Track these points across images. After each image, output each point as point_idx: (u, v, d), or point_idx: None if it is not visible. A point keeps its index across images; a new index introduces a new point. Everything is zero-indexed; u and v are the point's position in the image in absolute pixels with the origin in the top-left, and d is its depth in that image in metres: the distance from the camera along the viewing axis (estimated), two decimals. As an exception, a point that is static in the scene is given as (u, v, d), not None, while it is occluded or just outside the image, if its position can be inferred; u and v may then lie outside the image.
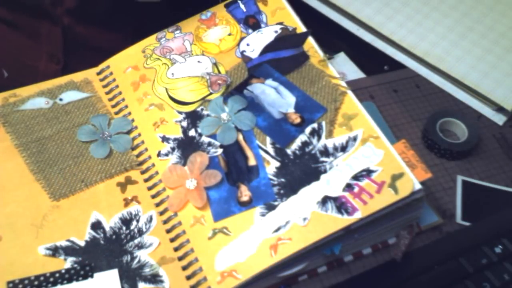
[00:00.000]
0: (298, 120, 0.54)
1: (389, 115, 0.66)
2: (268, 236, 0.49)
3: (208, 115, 0.56)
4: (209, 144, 0.54)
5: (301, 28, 0.60)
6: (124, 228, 0.51)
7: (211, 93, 0.57)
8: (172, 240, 0.51)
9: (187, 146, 0.55)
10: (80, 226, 0.51)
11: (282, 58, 0.58)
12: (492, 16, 0.72)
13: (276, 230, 0.49)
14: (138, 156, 0.56)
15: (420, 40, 0.69)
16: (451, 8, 0.73)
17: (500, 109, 0.66)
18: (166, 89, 0.58)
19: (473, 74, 0.67)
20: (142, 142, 0.56)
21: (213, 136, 0.55)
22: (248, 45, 0.60)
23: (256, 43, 0.60)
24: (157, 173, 0.54)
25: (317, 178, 0.51)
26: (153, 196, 0.53)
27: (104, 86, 0.60)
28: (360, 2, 0.72)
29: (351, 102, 0.55)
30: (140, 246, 0.50)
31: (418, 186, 0.49)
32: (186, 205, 0.52)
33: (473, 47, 0.69)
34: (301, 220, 0.49)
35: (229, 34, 0.61)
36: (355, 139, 0.52)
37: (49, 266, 0.49)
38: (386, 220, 0.51)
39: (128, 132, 0.57)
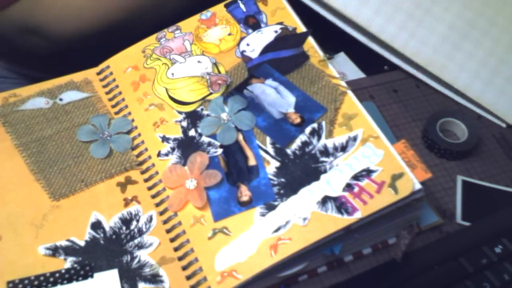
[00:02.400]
0: (298, 120, 0.54)
1: (389, 115, 0.66)
2: (268, 236, 0.49)
3: (208, 115, 0.56)
4: (209, 144, 0.54)
5: (301, 28, 0.60)
6: (124, 228, 0.51)
7: (211, 93, 0.57)
8: (172, 240, 0.51)
9: (187, 146, 0.55)
10: (80, 226, 0.51)
11: (282, 58, 0.58)
12: (484, 24, 0.70)
13: (276, 230, 0.49)
14: (138, 156, 0.56)
15: (421, 47, 0.67)
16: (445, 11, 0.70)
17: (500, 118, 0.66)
18: (166, 89, 0.58)
19: (475, 85, 0.66)
20: (142, 142, 0.56)
21: (213, 136, 0.55)
22: (248, 45, 0.60)
23: (256, 43, 0.60)
24: (157, 173, 0.54)
25: (317, 178, 0.51)
26: (153, 196, 0.53)
27: (104, 86, 0.60)
28: (357, 4, 0.69)
29: (351, 102, 0.55)
30: (140, 246, 0.50)
31: (418, 186, 0.49)
32: (186, 205, 0.52)
33: (469, 59, 0.67)
34: (301, 220, 0.49)
35: (229, 34, 0.61)
36: (355, 139, 0.53)
37: (49, 266, 0.49)
38: (386, 220, 0.51)
39: (128, 132, 0.57)
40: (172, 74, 0.59)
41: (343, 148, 0.52)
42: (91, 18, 0.64)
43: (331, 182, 0.51)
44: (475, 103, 0.67)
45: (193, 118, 0.56)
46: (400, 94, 0.68)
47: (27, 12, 0.63)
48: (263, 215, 0.50)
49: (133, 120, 0.57)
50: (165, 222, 0.52)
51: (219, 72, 0.59)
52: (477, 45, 0.68)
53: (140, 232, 0.51)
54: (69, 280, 0.48)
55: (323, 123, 0.54)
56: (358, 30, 0.69)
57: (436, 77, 0.68)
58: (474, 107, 0.67)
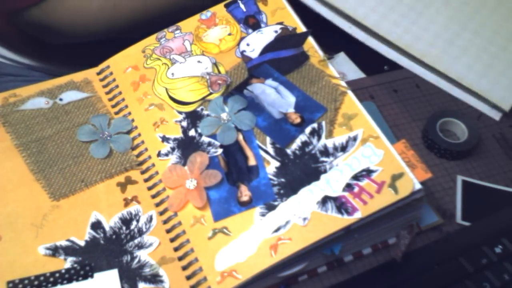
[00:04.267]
0: (298, 120, 0.54)
1: (389, 115, 0.66)
2: (268, 236, 0.49)
3: (208, 115, 0.56)
4: (209, 144, 0.54)
5: (301, 28, 0.60)
6: (124, 228, 0.51)
7: (211, 93, 0.57)
8: (172, 240, 0.51)
9: (187, 146, 0.55)
10: (80, 226, 0.51)
11: (282, 58, 0.58)
12: (484, 14, 0.71)
13: (276, 230, 0.49)
14: (138, 156, 0.56)
15: (416, 40, 0.68)
16: (444, 4, 0.71)
17: (496, 105, 0.66)
18: (166, 89, 0.58)
19: (470, 74, 0.67)
20: (142, 142, 0.56)
21: (213, 136, 0.55)
22: (248, 45, 0.60)
23: (256, 43, 0.60)
24: (157, 173, 0.54)
25: (317, 178, 0.51)
26: (153, 196, 0.53)
27: (104, 86, 0.60)
28: (355, 0, 0.70)
29: (351, 102, 0.55)
30: (140, 246, 0.50)
31: (418, 186, 0.49)
32: (186, 205, 0.52)
33: (468, 46, 0.68)
34: (301, 220, 0.49)
35: (229, 34, 0.61)
36: (355, 139, 0.53)
37: (49, 266, 0.49)
38: (386, 220, 0.51)
39: (128, 132, 0.57)
40: (172, 74, 0.59)
41: (343, 148, 0.52)
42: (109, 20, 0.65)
43: (331, 182, 0.51)
44: (470, 92, 0.67)
45: (193, 118, 0.56)
46: (400, 94, 0.68)
47: (43, 15, 0.64)
48: (263, 215, 0.50)
49: (133, 120, 0.57)
50: (165, 222, 0.52)
51: (219, 72, 0.59)
52: (470, 44, 0.68)
53: (140, 232, 0.51)
54: (69, 280, 0.48)
55: (323, 123, 0.54)
56: (356, 26, 0.70)
57: (432, 72, 0.68)
58: (468, 99, 0.67)
